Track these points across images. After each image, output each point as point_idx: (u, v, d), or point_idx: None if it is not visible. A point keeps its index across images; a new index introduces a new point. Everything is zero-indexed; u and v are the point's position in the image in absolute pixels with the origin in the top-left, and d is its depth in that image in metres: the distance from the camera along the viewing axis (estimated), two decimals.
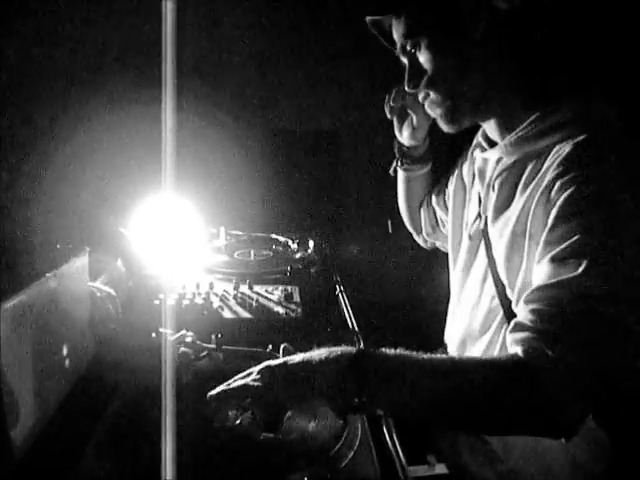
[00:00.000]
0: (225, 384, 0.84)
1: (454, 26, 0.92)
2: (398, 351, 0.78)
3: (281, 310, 1.31)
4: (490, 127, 1.03)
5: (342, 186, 2.53)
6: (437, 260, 1.39)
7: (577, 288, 0.73)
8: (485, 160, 1.07)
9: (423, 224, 1.40)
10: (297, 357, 0.81)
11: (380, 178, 2.10)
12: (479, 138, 1.11)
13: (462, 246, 1.14)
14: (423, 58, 0.97)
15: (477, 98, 0.97)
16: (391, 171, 1.37)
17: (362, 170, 2.52)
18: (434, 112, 1.01)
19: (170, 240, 1.81)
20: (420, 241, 1.45)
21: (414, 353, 0.78)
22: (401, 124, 1.26)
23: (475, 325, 1.05)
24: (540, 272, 0.80)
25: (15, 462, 0.79)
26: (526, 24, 0.90)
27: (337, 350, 0.79)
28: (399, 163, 1.34)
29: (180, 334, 1.07)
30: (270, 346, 1.10)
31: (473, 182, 1.13)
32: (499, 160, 1.01)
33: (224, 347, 1.06)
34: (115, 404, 0.95)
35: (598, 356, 0.72)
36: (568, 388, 0.71)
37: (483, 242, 1.04)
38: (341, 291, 1.48)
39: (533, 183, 0.90)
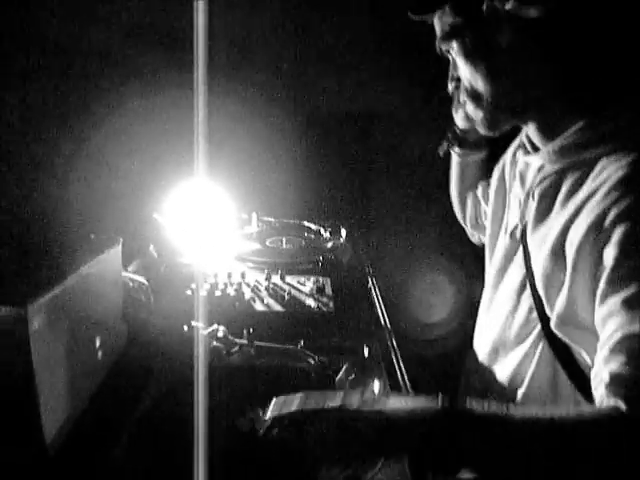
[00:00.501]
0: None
1: (480, 33, 0.88)
2: (488, 408, 0.72)
3: (313, 304, 1.29)
4: (531, 131, 0.97)
5: (375, 173, 2.49)
6: (472, 258, 1.35)
7: None
8: (527, 164, 1.02)
9: (469, 214, 1.36)
10: (372, 413, 0.73)
11: (416, 166, 2.06)
12: (523, 138, 1.04)
13: (498, 248, 1.09)
14: (456, 63, 0.94)
15: (511, 106, 0.93)
16: (440, 152, 1.32)
17: (398, 157, 2.48)
18: (473, 116, 0.97)
19: (202, 227, 1.81)
20: (468, 232, 1.41)
21: (504, 409, 0.72)
22: (458, 103, 1.21)
23: (509, 335, 1.00)
24: (615, 316, 0.74)
25: (49, 454, 0.80)
26: (559, 30, 0.84)
27: (419, 408, 0.73)
28: (449, 145, 1.29)
29: (212, 328, 1.06)
30: (302, 342, 1.10)
31: (514, 184, 1.08)
32: (541, 167, 0.95)
33: (256, 343, 1.05)
34: (146, 398, 0.95)
35: None
36: None
37: (521, 250, 0.99)
38: (373, 284, 1.46)
39: (576, 198, 0.84)
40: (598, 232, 0.78)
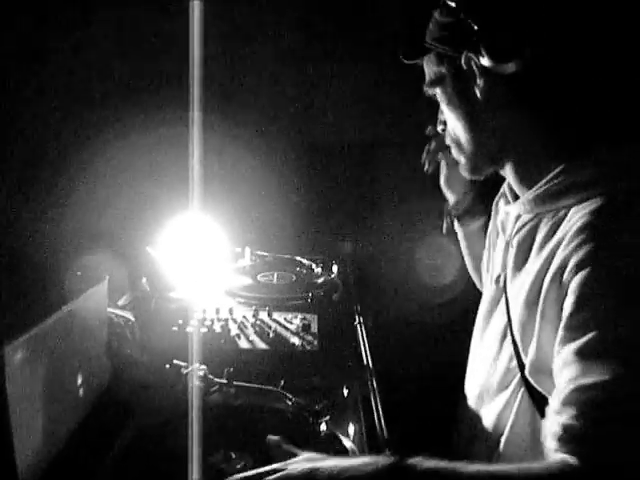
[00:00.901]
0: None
1: (458, 83, 0.93)
2: (436, 464, 0.74)
3: (297, 341, 1.30)
4: (510, 179, 1.01)
5: (377, 204, 2.51)
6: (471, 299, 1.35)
7: (618, 390, 0.70)
8: (507, 213, 1.04)
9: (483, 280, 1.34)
10: (326, 466, 0.76)
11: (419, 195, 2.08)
12: (504, 188, 1.08)
13: (485, 295, 1.12)
14: (442, 109, 1.00)
15: (489, 154, 0.97)
16: (444, 230, 1.36)
17: (400, 187, 2.49)
18: (457, 159, 1.02)
19: (195, 260, 1.83)
20: None
21: (455, 466, 0.73)
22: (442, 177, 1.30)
23: (492, 382, 1.01)
24: (568, 367, 0.75)
25: None
26: (534, 82, 0.88)
27: (371, 463, 0.76)
28: (450, 222, 1.34)
29: (192, 367, 1.07)
30: (282, 381, 1.11)
31: (498, 234, 1.11)
32: (518, 216, 0.98)
33: (235, 383, 1.06)
34: (124, 436, 0.96)
35: None
36: None
37: (504, 298, 1.01)
38: (359, 323, 1.47)
39: (547, 247, 0.86)
40: (560, 280, 0.80)
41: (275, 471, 0.77)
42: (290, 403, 1.01)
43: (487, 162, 0.99)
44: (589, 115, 0.90)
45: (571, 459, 0.70)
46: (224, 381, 1.06)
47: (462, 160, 1.00)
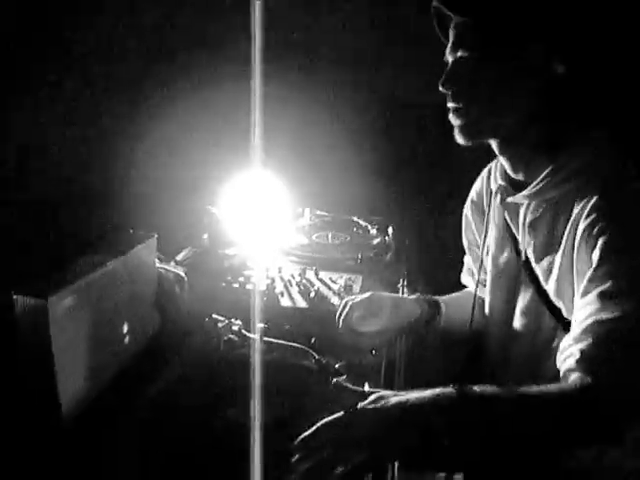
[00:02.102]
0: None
1: (511, 63, 0.97)
2: (493, 390, 0.84)
3: (337, 302, 1.35)
4: (509, 166, 1.10)
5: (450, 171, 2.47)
6: None
7: (634, 322, 0.82)
8: (515, 205, 1.11)
9: None
10: (390, 404, 0.82)
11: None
12: (499, 181, 1.15)
13: (496, 279, 1.23)
14: (467, 69, 1.00)
15: (499, 128, 1.04)
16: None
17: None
18: (456, 121, 1.04)
19: (255, 218, 1.90)
20: None
21: (504, 391, 0.84)
22: None
23: (536, 351, 1.11)
24: (588, 306, 0.88)
25: (65, 426, 0.92)
26: (576, 89, 0.99)
27: (434, 392, 0.83)
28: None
29: (228, 322, 1.15)
30: (313, 339, 1.16)
31: (506, 224, 1.18)
32: (529, 205, 1.07)
33: (266, 339, 1.12)
34: (163, 381, 1.05)
35: None
36: (630, 409, 0.80)
37: (528, 279, 1.11)
38: (402, 285, 1.49)
39: (568, 228, 0.98)
40: (587, 246, 0.92)
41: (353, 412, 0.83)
42: (313, 361, 1.06)
43: (491, 132, 1.05)
44: (592, 106, 1.03)
45: (588, 377, 0.81)
46: (256, 336, 1.13)
47: (463, 120, 1.03)
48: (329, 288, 1.44)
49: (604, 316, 0.83)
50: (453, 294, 1.40)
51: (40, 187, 1.57)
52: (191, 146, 2.05)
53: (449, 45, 1.03)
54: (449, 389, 0.83)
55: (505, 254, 1.19)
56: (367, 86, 2.38)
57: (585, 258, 0.93)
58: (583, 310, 0.88)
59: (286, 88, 2.19)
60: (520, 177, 1.10)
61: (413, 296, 1.34)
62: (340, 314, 1.23)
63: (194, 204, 1.82)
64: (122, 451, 0.88)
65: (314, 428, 0.81)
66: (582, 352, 0.83)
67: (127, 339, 1.12)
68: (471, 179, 1.37)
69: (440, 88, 1.03)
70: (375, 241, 1.82)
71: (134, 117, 1.91)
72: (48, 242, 1.14)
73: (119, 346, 1.09)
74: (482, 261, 1.27)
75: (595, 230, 0.91)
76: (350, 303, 1.24)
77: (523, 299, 1.14)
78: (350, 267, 1.61)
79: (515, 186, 1.11)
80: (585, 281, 0.90)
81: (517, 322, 1.16)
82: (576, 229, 0.96)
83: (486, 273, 1.27)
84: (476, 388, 0.83)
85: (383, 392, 0.86)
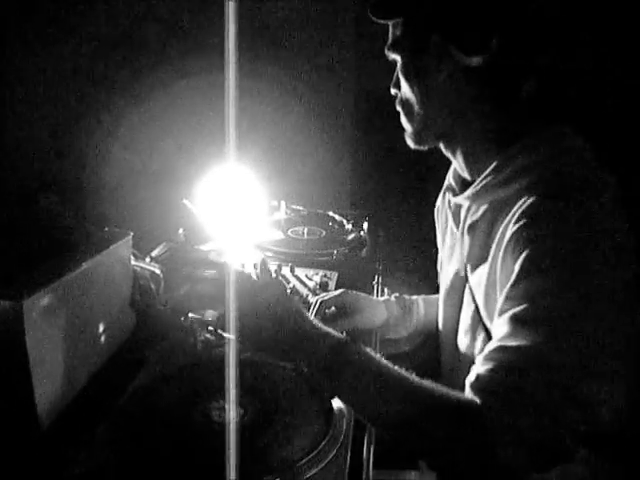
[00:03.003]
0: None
1: (420, 58, 0.95)
2: (377, 356, 0.87)
3: (312, 300, 1.35)
4: (457, 166, 1.04)
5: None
6: None
7: (534, 357, 0.76)
8: (458, 205, 1.06)
9: None
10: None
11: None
12: (450, 179, 1.11)
13: (444, 287, 1.15)
14: (398, 74, 1.00)
15: (438, 130, 1.00)
16: None
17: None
18: (404, 127, 1.04)
19: (231, 213, 1.90)
20: None
21: (389, 364, 0.85)
22: None
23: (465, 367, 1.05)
24: (501, 328, 0.82)
25: (41, 429, 0.91)
26: (492, 76, 0.91)
27: (324, 332, 0.90)
28: None
29: (205, 320, 1.15)
30: None
31: (448, 224, 1.13)
32: (469, 207, 1.01)
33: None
34: (138, 382, 1.05)
35: (548, 424, 0.73)
36: (511, 443, 0.74)
37: (468, 288, 1.03)
38: (377, 282, 1.51)
39: (499, 233, 0.90)
40: (511, 256, 0.85)
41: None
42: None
43: (432, 137, 1.02)
44: (529, 104, 0.94)
45: (476, 398, 0.78)
46: (232, 336, 1.13)
47: (409, 128, 1.02)
48: (305, 285, 1.45)
49: (508, 343, 0.78)
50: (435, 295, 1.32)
51: (10, 180, 1.55)
52: (166, 139, 2.04)
53: (386, 52, 1.03)
54: (340, 336, 0.89)
55: (452, 265, 1.10)
56: (343, 80, 2.38)
57: (507, 272, 0.86)
58: (498, 330, 0.83)
59: (261, 81, 2.18)
60: (467, 175, 1.03)
61: (382, 298, 1.34)
62: (311, 312, 1.24)
63: (169, 198, 1.81)
64: (100, 453, 0.88)
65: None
66: (477, 376, 0.79)
67: (103, 339, 1.11)
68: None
69: (392, 91, 1.04)
70: (350, 236, 1.83)
71: (108, 110, 1.89)
72: (19, 239, 1.12)
73: (95, 346, 1.09)
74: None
75: (521, 240, 0.83)
76: (321, 300, 1.25)
77: (465, 317, 1.05)
78: (326, 263, 1.62)
79: (465, 186, 1.02)
80: (503, 297, 0.83)
81: (460, 342, 1.08)
82: (504, 236, 0.88)
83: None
84: (366, 349, 0.87)
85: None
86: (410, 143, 1.04)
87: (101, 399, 1.01)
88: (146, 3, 2.05)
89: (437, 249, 1.39)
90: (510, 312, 0.80)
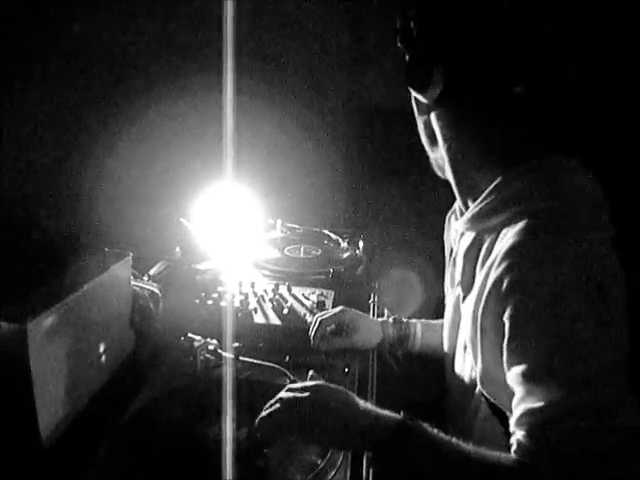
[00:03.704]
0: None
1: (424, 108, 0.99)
2: (438, 435, 0.83)
3: (309, 319, 1.37)
4: (457, 195, 1.04)
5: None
6: None
7: (562, 409, 0.76)
8: (455, 231, 1.09)
9: None
10: (331, 415, 0.87)
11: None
12: (455, 204, 1.11)
13: (447, 310, 1.17)
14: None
15: (440, 168, 1.04)
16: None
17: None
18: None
19: (227, 231, 1.92)
20: None
21: (453, 441, 0.82)
22: None
23: (460, 392, 1.07)
24: (516, 386, 0.82)
25: (44, 448, 0.92)
26: (455, 105, 0.93)
27: (375, 421, 0.86)
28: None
29: (204, 341, 1.17)
30: (287, 357, 1.19)
31: (452, 250, 1.14)
32: (463, 234, 1.03)
33: (241, 358, 1.15)
34: (139, 401, 1.06)
35: (601, 465, 0.75)
36: None
37: (460, 313, 1.05)
38: (373, 302, 1.53)
39: (485, 266, 0.89)
40: (495, 300, 0.84)
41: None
42: (288, 380, 1.09)
43: (440, 170, 1.05)
44: (516, 133, 0.92)
45: (527, 460, 0.78)
46: (232, 356, 1.15)
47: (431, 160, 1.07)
48: (302, 304, 1.46)
49: (533, 405, 0.78)
50: (436, 320, 1.34)
51: (9, 200, 1.56)
52: (163, 158, 2.06)
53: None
54: (393, 417, 0.85)
55: (454, 287, 1.11)
56: (339, 98, 2.41)
57: (492, 316, 0.86)
58: (515, 390, 0.83)
59: (257, 99, 2.21)
60: (469, 201, 1.02)
61: (380, 319, 1.36)
62: (311, 331, 1.26)
63: (167, 216, 1.83)
64: (101, 471, 0.89)
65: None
66: (519, 444, 0.79)
67: (104, 359, 1.13)
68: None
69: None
70: (346, 255, 1.85)
71: (105, 128, 1.91)
72: (19, 259, 1.14)
73: (96, 366, 1.10)
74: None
75: (504, 286, 0.82)
76: (320, 319, 1.27)
77: (461, 338, 1.07)
78: (322, 282, 1.64)
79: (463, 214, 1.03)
80: (504, 350, 0.83)
81: (456, 362, 1.10)
82: (488, 275, 0.87)
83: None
84: (421, 427, 0.83)
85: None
86: (437, 171, 1.07)
87: (102, 418, 1.02)
88: (142, 22, 2.07)
89: (433, 267, 1.42)
90: (519, 368, 0.80)
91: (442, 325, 1.22)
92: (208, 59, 1.96)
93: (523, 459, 0.78)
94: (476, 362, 0.94)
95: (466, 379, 1.04)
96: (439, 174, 1.06)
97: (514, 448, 0.80)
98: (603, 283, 0.80)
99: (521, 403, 0.81)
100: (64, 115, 1.82)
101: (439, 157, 1.01)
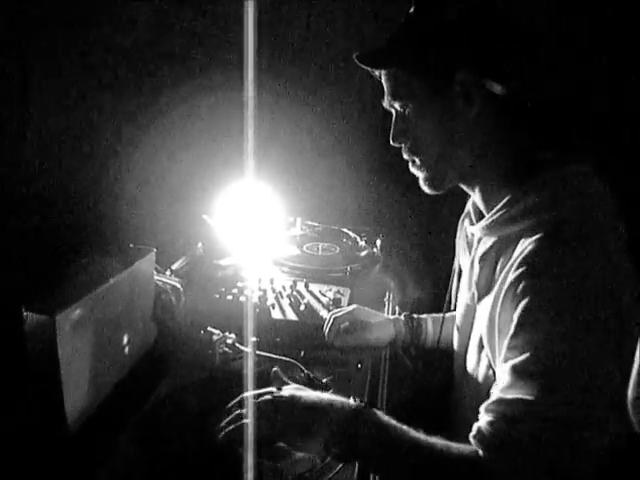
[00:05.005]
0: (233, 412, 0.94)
1: (445, 101, 0.96)
2: (390, 421, 0.87)
3: (326, 315, 1.41)
4: (476, 199, 1.05)
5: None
6: None
7: (531, 409, 0.78)
8: (472, 234, 1.09)
9: None
10: (301, 398, 0.91)
11: None
12: (469, 207, 1.13)
13: (459, 310, 1.18)
14: (410, 121, 1.00)
15: (463, 168, 1.01)
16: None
17: None
18: (417, 174, 1.04)
19: (248, 228, 1.96)
20: None
21: (404, 428, 0.86)
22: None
23: (473, 390, 1.07)
24: (503, 376, 0.84)
25: (70, 433, 0.98)
26: (517, 108, 0.93)
27: (341, 402, 0.90)
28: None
29: (223, 335, 1.21)
30: (302, 353, 1.23)
31: (462, 251, 1.16)
32: (480, 239, 1.03)
33: (258, 352, 1.19)
34: (160, 391, 1.11)
35: (544, 473, 0.76)
36: None
37: (475, 315, 1.07)
38: (388, 300, 1.56)
39: (503, 272, 0.92)
40: (509, 304, 0.87)
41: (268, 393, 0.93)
42: (302, 374, 1.13)
43: (456, 177, 1.03)
44: (545, 140, 0.95)
45: (479, 452, 0.80)
46: (248, 350, 1.19)
47: (425, 175, 1.03)
48: (318, 301, 1.50)
49: (507, 396, 0.81)
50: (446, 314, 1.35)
51: (36, 197, 1.62)
52: (187, 156, 2.11)
53: (385, 101, 1.04)
54: (354, 403, 0.89)
55: (466, 289, 1.12)
56: (362, 96, 2.43)
57: (506, 317, 0.88)
58: (500, 377, 0.85)
59: (279, 96, 2.24)
60: (483, 208, 1.04)
61: (392, 317, 1.39)
62: (326, 327, 1.30)
63: (189, 213, 1.88)
64: (122, 459, 0.94)
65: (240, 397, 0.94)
66: (478, 429, 0.82)
67: (127, 350, 1.18)
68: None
69: (391, 143, 1.04)
70: (363, 253, 1.89)
71: (129, 123, 1.96)
72: (48, 254, 1.20)
73: (119, 357, 1.16)
74: (452, 294, 1.26)
75: (520, 289, 0.84)
76: (334, 316, 1.31)
77: (473, 340, 1.08)
78: (339, 279, 1.68)
79: (482, 216, 1.04)
80: (505, 346, 0.85)
81: (468, 362, 1.10)
82: (506, 279, 0.89)
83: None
84: (379, 414, 0.87)
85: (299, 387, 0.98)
86: (428, 189, 1.04)
87: (124, 406, 1.07)
88: (169, 16, 2.12)
89: (447, 267, 1.44)
90: (510, 362, 0.82)
91: (451, 319, 1.25)
92: (232, 56, 2.00)
93: (477, 446, 0.80)
94: (495, 363, 0.95)
95: (480, 378, 1.04)
96: (437, 190, 1.05)
97: (473, 432, 0.82)
98: (616, 292, 0.82)
99: (499, 391, 0.83)
100: (89, 113, 1.88)
101: (461, 158, 0.99)
